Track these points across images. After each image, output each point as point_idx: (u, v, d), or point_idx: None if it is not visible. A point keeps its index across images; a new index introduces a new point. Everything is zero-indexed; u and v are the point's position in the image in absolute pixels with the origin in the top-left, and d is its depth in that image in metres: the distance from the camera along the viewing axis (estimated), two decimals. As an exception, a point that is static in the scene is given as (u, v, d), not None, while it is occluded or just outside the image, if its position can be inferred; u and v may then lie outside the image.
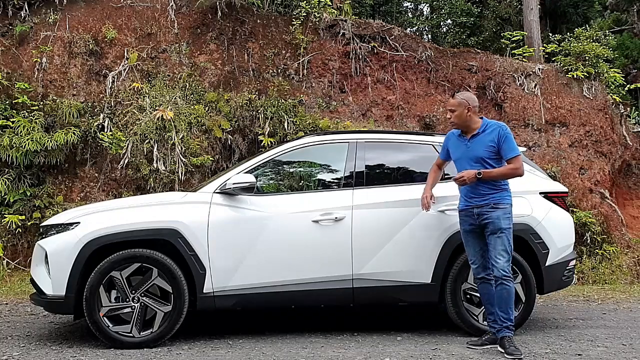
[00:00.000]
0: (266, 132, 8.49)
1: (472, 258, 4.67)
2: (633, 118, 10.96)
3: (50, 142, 8.04)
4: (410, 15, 21.01)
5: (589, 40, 9.86)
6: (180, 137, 8.11)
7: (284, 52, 9.48)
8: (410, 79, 9.57)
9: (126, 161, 8.14)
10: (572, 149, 9.26)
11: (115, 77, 8.90)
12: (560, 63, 9.80)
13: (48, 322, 5.67)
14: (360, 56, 9.50)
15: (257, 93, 9.03)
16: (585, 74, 9.53)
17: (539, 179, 5.42)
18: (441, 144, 5.34)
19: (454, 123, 4.68)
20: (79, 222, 4.71)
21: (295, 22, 9.41)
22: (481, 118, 4.68)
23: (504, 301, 4.46)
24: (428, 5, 20.33)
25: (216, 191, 4.88)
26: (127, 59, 9.01)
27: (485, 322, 4.90)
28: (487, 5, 17.48)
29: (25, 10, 9.17)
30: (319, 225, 4.86)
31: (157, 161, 8.02)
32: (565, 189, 5.70)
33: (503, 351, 4.40)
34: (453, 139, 4.78)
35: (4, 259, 7.84)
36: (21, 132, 8.08)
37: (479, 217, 4.56)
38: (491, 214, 4.49)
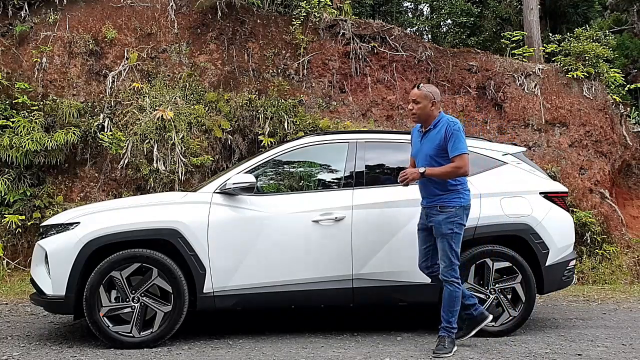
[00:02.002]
0: (266, 132, 8.49)
1: (419, 253, 4.69)
2: (633, 118, 10.95)
3: (50, 142, 8.04)
4: (410, 15, 21.01)
5: (589, 40, 9.86)
6: (180, 137, 8.11)
7: (284, 52, 9.48)
8: (410, 79, 9.56)
9: (126, 161, 8.14)
10: (572, 149, 9.26)
11: (115, 77, 8.90)
12: (560, 63, 9.80)
13: (48, 322, 5.67)
14: (360, 56, 9.50)
15: (257, 93, 9.03)
16: (585, 74, 9.53)
17: (538, 179, 5.42)
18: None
19: (415, 115, 4.55)
20: (79, 222, 4.72)
21: (295, 22, 9.41)
22: (440, 113, 4.56)
23: (445, 302, 4.49)
24: (428, 5, 20.33)
25: (216, 191, 4.88)
26: (127, 59, 9.01)
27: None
28: (487, 5, 17.48)
29: (25, 10, 9.17)
30: (319, 225, 4.86)
31: (157, 161, 8.02)
32: (565, 189, 5.70)
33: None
34: (415, 134, 4.73)
35: (4, 259, 7.84)
36: (21, 132, 8.08)
37: (427, 217, 4.57)
38: (435, 218, 4.46)
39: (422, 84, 4.64)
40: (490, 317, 4.70)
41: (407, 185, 4.51)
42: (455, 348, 4.46)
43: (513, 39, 10.54)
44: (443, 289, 4.55)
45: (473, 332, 4.67)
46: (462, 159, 4.36)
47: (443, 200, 4.45)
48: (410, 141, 4.89)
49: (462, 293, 4.57)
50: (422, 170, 4.40)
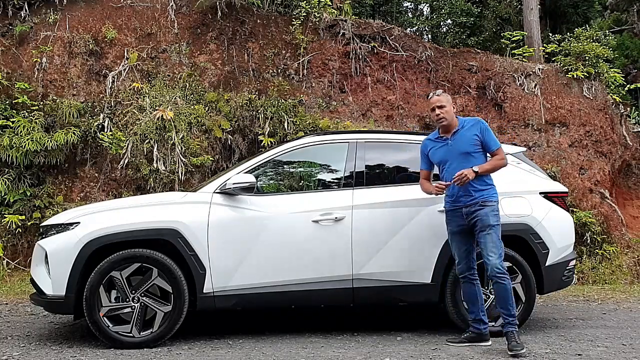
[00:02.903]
0: (266, 132, 8.49)
1: (457, 258, 4.69)
2: (633, 118, 10.95)
3: (50, 142, 8.04)
4: (410, 15, 20.99)
5: (589, 40, 9.86)
6: (180, 137, 8.11)
7: (284, 52, 9.48)
8: (410, 79, 9.57)
9: (126, 161, 8.14)
10: (572, 149, 9.25)
11: (115, 77, 8.90)
12: (560, 63, 9.80)
13: (48, 322, 5.67)
14: (360, 56, 9.50)
15: (257, 93, 9.03)
16: (585, 74, 9.53)
17: (538, 179, 5.42)
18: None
19: (444, 119, 4.65)
20: (79, 222, 4.71)
21: (295, 22, 9.41)
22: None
23: (502, 299, 4.48)
24: (428, 5, 20.32)
25: (216, 191, 4.88)
26: (127, 59, 9.01)
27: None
28: (487, 5, 17.47)
29: (25, 10, 9.18)
30: (319, 225, 4.85)
31: (157, 161, 8.02)
32: (565, 189, 5.69)
33: (506, 346, 4.42)
34: (430, 144, 4.79)
35: (4, 259, 7.84)
36: (21, 132, 8.08)
37: (467, 216, 4.57)
38: (479, 212, 4.50)
39: (435, 91, 4.81)
40: (490, 342, 4.69)
41: (464, 184, 4.49)
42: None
43: (513, 39, 10.55)
44: (469, 286, 4.61)
45: (465, 345, 4.66)
46: (502, 151, 4.66)
47: (484, 195, 4.54)
48: (421, 151, 4.89)
49: (482, 309, 4.66)
50: (476, 169, 4.48)
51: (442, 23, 19.21)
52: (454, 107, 4.74)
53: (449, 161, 4.63)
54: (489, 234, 4.46)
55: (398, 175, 5.34)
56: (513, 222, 5.06)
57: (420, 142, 5.43)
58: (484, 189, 4.56)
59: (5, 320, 5.73)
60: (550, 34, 11.69)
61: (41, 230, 5.05)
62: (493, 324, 4.96)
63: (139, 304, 4.61)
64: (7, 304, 6.55)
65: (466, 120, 4.71)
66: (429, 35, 19.59)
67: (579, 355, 4.46)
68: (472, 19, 16.98)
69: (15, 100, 8.49)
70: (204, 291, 4.70)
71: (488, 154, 4.69)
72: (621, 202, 9.66)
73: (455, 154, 4.61)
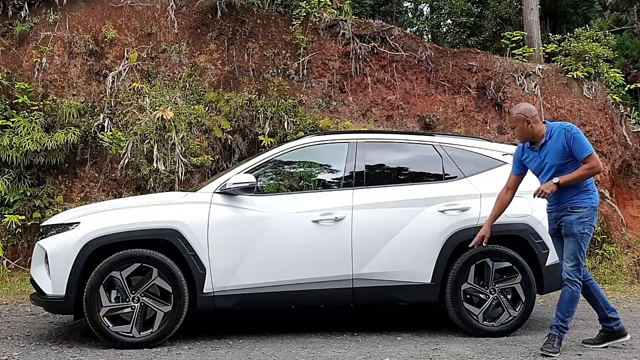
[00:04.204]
0: (266, 132, 8.48)
1: (559, 260, 4.71)
2: (633, 118, 10.95)
3: (50, 142, 8.03)
4: (410, 15, 21.00)
5: (589, 40, 9.85)
6: (180, 137, 8.11)
7: (284, 52, 9.48)
8: (410, 79, 9.56)
9: (126, 161, 8.14)
10: (572, 149, 9.24)
11: (115, 77, 8.90)
12: (560, 63, 9.80)
13: (48, 322, 5.67)
14: (360, 56, 9.50)
15: (257, 93, 9.03)
16: (585, 74, 9.52)
17: (539, 179, 5.42)
18: (441, 144, 5.35)
19: (520, 138, 4.65)
20: (79, 222, 4.72)
21: (295, 22, 9.41)
22: (544, 123, 4.59)
23: (563, 303, 4.49)
24: (428, 5, 20.32)
25: (216, 191, 4.88)
26: (127, 59, 9.01)
27: (485, 322, 4.96)
28: (487, 5, 17.47)
29: (25, 10, 9.17)
30: (319, 225, 4.86)
31: (157, 161, 8.01)
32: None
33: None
34: (525, 153, 4.72)
35: (4, 259, 7.84)
36: (21, 132, 8.08)
37: (556, 220, 4.57)
38: (566, 218, 4.47)
39: (512, 108, 4.71)
40: (629, 336, 4.69)
41: (544, 198, 4.48)
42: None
43: (513, 39, 10.54)
44: (563, 288, 4.57)
45: (604, 345, 4.66)
46: (592, 159, 4.38)
47: (574, 201, 4.45)
48: (508, 156, 5.02)
49: (607, 306, 4.65)
50: (556, 180, 4.40)
51: (442, 23, 19.22)
52: (528, 122, 4.49)
53: (541, 174, 4.60)
54: (571, 242, 4.44)
55: (398, 175, 5.34)
56: (513, 222, 5.06)
57: (421, 142, 5.44)
58: (575, 194, 4.45)
59: (5, 320, 5.73)
60: (550, 34, 11.69)
61: (41, 230, 5.05)
62: (493, 324, 4.97)
63: (139, 304, 4.61)
64: (7, 304, 6.55)
65: (553, 128, 4.50)
66: (429, 35, 19.60)
67: (579, 355, 4.46)
68: (472, 19, 16.98)
69: (15, 100, 8.48)
70: (204, 291, 4.70)
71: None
72: (621, 202, 9.66)
73: (546, 167, 4.53)
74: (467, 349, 4.59)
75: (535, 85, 9.51)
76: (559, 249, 4.67)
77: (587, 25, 13.25)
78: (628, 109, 10.50)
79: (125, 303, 4.62)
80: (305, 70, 9.36)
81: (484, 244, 4.81)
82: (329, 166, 5.38)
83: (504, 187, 4.84)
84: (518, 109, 4.60)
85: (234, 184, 4.81)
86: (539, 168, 4.60)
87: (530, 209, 5.11)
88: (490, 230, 4.79)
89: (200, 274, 4.69)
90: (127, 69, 8.96)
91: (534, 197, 4.50)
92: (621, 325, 4.70)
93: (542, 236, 5.07)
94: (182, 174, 7.99)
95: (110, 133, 8.22)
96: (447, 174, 5.18)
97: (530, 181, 5.30)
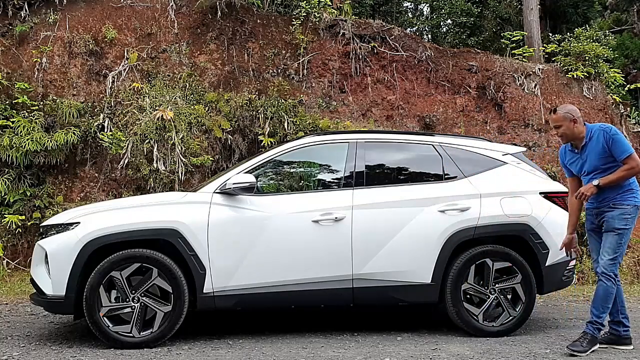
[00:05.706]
0: (266, 132, 8.49)
1: (593, 256, 4.71)
2: (633, 118, 10.95)
3: (50, 142, 8.04)
4: (410, 15, 21.02)
5: (589, 40, 9.86)
6: (180, 137, 8.11)
7: (284, 52, 9.48)
8: (410, 79, 9.57)
9: (126, 161, 8.14)
10: (572, 149, 9.25)
11: (115, 77, 8.90)
12: (560, 63, 9.80)
13: (48, 322, 5.66)
14: (360, 56, 9.50)
15: (257, 93, 9.03)
16: (585, 74, 9.53)
17: (539, 179, 5.43)
18: (441, 144, 5.36)
19: (563, 138, 4.63)
20: (79, 222, 4.71)
21: (295, 22, 9.41)
22: (585, 125, 4.58)
23: (598, 298, 4.46)
24: (428, 5, 20.34)
25: (216, 191, 4.88)
26: (127, 59, 9.01)
27: (485, 322, 4.96)
28: (487, 5, 17.47)
29: (25, 10, 9.17)
30: (319, 225, 4.85)
31: (157, 161, 8.02)
32: (565, 189, 5.68)
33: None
34: (568, 155, 4.73)
35: (4, 259, 7.84)
36: (21, 132, 8.08)
37: (597, 216, 4.57)
38: (609, 213, 4.47)
39: (558, 107, 4.68)
40: (632, 347, 4.63)
41: (586, 200, 4.49)
42: (595, 348, 4.44)
43: (513, 39, 10.54)
44: (597, 283, 4.52)
45: (605, 346, 4.61)
46: (632, 159, 4.38)
47: (617, 199, 4.46)
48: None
49: (622, 310, 4.60)
50: (596, 183, 4.41)
51: (442, 23, 19.22)
52: (574, 122, 4.50)
53: (583, 175, 4.60)
54: (611, 236, 4.45)
55: (398, 175, 5.34)
56: (513, 222, 5.06)
57: (420, 142, 5.44)
58: (618, 193, 4.45)
59: (5, 320, 5.72)
60: (550, 34, 11.69)
61: (41, 230, 5.05)
62: (493, 324, 4.97)
63: (139, 304, 4.61)
64: (7, 304, 6.55)
65: (593, 130, 4.49)
66: (429, 35, 19.60)
67: (579, 355, 4.45)
68: (472, 19, 16.98)
69: (15, 100, 8.49)
70: (204, 291, 4.70)
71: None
72: (621, 202, 9.65)
73: (588, 169, 4.52)
74: (467, 349, 4.58)
75: (535, 85, 9.52)
76: (595, 245, 4.67)
77: (587, 25, 13.26)
78: (628, 109, 10.50)
79: (125, 303, 4.62)
80: (305, 70, 9.37)
81: (572, 250, 4.77)
82: (329, 166, 5.38)
83: (569, 193, 4.83)
84: (564, 109, 4.60)
85: (234, 184, 4.81)
86: (581, 170, 4.61)
87: (530, 209, 5.11)
88: (575, 237, 4.76)
89: (200, 274, 4.69)
90: (127, 69, 8.96)
91: (575, 198, 4.53)
92: (629, 334, 4.67)
93: (542, 236, 5.08)
94: (182, 174, 8.00)
95: (110, 133, 8.23)
96: (447, 174, 5.18)
97: (531, 181, 5.33)
